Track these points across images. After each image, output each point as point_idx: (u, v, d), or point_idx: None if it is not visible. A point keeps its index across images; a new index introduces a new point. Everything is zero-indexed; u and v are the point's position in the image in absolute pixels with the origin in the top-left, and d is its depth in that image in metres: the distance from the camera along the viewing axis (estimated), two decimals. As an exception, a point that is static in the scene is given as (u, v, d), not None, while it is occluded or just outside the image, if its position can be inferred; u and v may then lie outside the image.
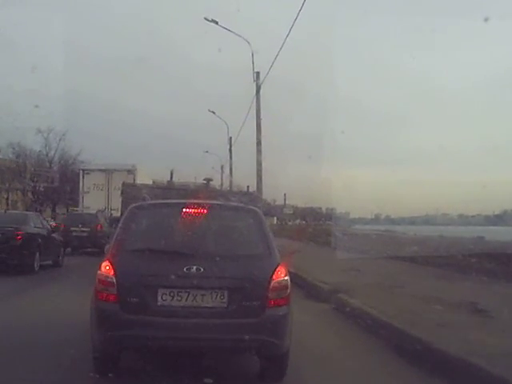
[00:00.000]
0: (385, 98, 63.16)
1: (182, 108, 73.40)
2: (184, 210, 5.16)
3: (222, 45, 60.30)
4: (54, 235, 15.38)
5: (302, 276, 11.50)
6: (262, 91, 20.21)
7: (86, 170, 25.25)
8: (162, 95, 69.91)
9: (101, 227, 20.14)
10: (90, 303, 4.74)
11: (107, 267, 4.60)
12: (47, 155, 47.00)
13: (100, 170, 24.50)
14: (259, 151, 19.74)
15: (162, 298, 4.50)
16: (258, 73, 20.32)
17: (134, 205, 5.43)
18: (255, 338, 4.50)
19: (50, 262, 14.64)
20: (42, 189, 45.42)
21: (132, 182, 21.19)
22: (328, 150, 25.88)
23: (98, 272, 4.63)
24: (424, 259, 13.31)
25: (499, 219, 36.75)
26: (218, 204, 5.60)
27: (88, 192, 24.33)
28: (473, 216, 40.18)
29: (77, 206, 26.81)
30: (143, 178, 23.42)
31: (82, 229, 20.08)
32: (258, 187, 19.07)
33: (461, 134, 63.81)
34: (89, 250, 19.57)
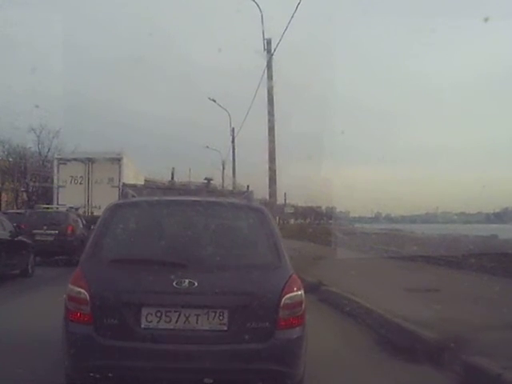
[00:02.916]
0: (385, 98, 63.00)
1: (181, 105, 72.57)
2: (175, 208, 4.34)
3: (223, 35, 59.50)
4: (20, 238, 12.64)
5: (360, 303, 7.96)
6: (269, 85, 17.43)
7: (62, 159, 21.17)
8: (160, 91, 68.72)
9: (72, 229, 16.32)
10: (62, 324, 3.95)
11: (79, 280, 3.84)
12: (40, 153, 46.20)
13: (78, 160, 20.67)
14: (272, 159, 17.25)
15: (146, 319, 3.73)
16: (269, 40, 17.15)
17: (114, 202, 4.62)
18: (262, 368, 3.76)
19: (16, 272, 12.17)
20: (35, 188, 44.53)
21: (118, 173, 19.52)
22: (328, 149, 25.30)
23: (69, 286, 3.88)
24: (471, 263, 11.67)
25: (499, 218, 36.60)
26: (216, 202, 4.71)
27: (64, 186, 20.43)
28: (473, 214, 40.01)
29: (50, 203, 22.15)
30: (139, 176, 21.85)
31: (48, 231, 16.05)
32: (270, 195, 17.17)
33: (461, 132, 63.86)
34: (56, 258, 15.72)
